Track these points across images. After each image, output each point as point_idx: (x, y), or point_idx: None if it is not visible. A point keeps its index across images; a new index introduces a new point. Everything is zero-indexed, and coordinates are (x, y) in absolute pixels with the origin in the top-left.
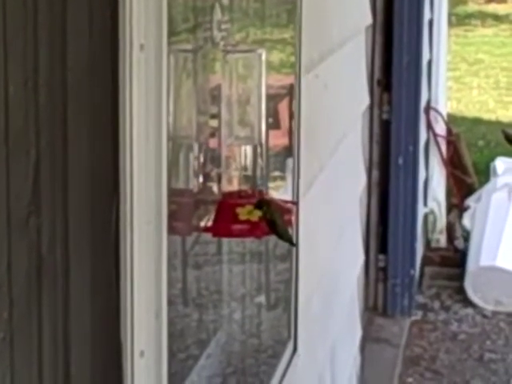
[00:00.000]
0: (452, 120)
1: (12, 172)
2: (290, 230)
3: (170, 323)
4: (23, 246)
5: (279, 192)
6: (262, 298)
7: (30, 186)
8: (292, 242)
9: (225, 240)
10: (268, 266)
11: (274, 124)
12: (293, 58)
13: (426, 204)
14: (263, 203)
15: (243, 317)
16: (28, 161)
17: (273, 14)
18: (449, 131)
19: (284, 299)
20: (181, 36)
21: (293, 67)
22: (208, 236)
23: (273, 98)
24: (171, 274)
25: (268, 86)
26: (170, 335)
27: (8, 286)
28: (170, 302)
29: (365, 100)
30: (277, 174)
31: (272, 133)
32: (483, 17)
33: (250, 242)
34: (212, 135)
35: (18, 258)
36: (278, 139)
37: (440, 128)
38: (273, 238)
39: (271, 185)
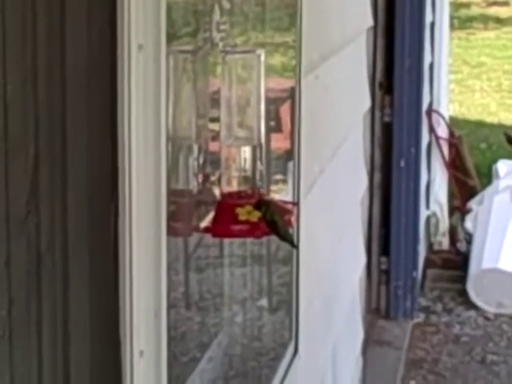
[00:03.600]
0: (454, 123)
1: (11, 170)
2: (290, 231)
3: (172, 326)
4: (22, 244)
5: (281, 195)
6: (263, 301)
7: (29, 184)
8: (293, 244)
9: (227, 243)
10: (270, 268)
11: (275, 127)
12: (294, 62)
13: (428, 207)
14: (262, 204)
15: (245, 320)
16: (27, 159)
17: (274, 18)
18: (451, 134)
19: (286, 302)
20: (179, 36)
21: (294, 70)
22: (210, 239)
23: (275, 102)
24: (173, 278)
25: (270, 90)
26: (172, 338)
27: (7, 284)
28: (172, 305)
29: (366, 102)
30: (278, 177)
31: (274, 136)
32: (485, 20)
33: (251, 245)
34: (211, 135)
35: (17, 255)
36: (280, 142)
37: (442, 131)
38: (275, 241)
39: (273, 188)
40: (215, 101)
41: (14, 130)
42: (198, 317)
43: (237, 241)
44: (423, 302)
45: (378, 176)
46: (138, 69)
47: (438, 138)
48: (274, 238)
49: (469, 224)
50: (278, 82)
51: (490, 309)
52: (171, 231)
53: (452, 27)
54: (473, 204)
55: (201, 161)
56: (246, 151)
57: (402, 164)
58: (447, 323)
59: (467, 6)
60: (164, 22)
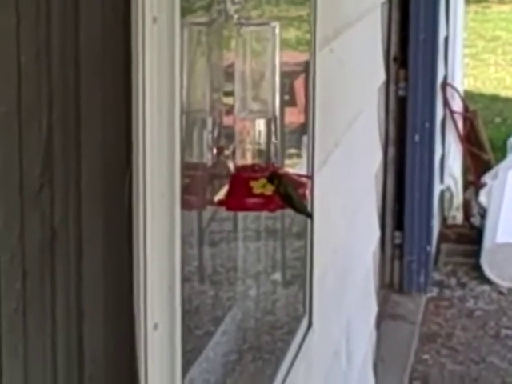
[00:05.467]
0: (469, 97)
1: (24, 142)
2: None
3: (186, 300)
4: (36, 217)
5: (295, 169)
6: (277, 275)
7: (42, 156)
8: (309, 214)
9: (241, 217)
10: (284, 243)
11: (290, 101)
12: (309, 36)
13: (442, 181)
14: (275, 177)
15: (259, 294)
16: (40, 131)
17: None
18: (465, 108)
19: (300, 276)
20: (194, 9)
21: (309, 44)
22: (224, 213)
23: (289, 76)
24: (187, 251)
25: (284, 64)
26: (186, 311)
27: (21, 257)
28: (186, 279)
29: (380, 75)
30: (293, 151)
31: (288, 110)
32: None
33: (266, 219)
34: (225, 109)
35: (31, 228)
36: (295, 116)
37: (456, 105)
38: (289, 215)
39: (287, 162)
40: (229, 74)
41: (27, 101)
42: (212, 290)
43: (251, 214)
44: (437, 276)
45: (392, 150)
46: (153, 41)
47: (452, 112)
48: (288, 212)
49: (483, 198)
50: (292, 56)
51: (504, 283)
52: (185, 204)
53: (467, 1)
54: (487, 178)
55: (215, 134)
56: (261, 124)
57: (417, 138)
58: (461, 298)
59: None
60: None
